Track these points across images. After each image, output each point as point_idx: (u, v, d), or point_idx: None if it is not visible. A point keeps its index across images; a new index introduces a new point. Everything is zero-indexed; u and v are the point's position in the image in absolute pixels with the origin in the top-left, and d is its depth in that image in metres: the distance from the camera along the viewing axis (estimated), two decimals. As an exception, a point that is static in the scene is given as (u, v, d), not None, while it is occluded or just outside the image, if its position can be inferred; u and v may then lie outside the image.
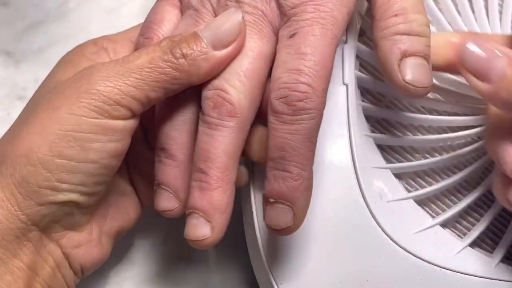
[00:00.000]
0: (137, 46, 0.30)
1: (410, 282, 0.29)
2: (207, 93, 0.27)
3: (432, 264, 0.29)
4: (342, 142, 0.29)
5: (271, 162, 0.26)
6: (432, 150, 0.32)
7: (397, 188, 0.30)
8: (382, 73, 0.28)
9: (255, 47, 0.27)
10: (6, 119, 0.39)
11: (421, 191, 0.31)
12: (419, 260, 0.29)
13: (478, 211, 0.31)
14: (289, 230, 0.26)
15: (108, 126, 0.26)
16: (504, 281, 0.30)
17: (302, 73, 0.25)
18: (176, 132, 0.28)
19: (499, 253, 0.30)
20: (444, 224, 0.31)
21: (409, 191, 0.31)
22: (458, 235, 0.31)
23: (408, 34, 0.27)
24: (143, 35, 0.30)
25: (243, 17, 0.27)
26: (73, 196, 0.27)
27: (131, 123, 0.27)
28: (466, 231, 0.31)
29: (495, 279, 0.30)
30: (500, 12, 0.34)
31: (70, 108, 0.26)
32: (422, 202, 0.31)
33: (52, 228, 0.28)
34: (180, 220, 0.29)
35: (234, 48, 0.27)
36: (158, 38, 0.29)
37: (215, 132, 0.26)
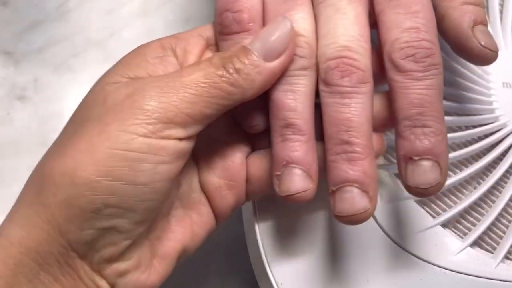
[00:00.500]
0: (221, 27, 0.27)
1: (410, 282, 0.29)
2: (330, 62, 0.26)
3: (433, 264, 0.29)
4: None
5: (406, 121, 0.25)
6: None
7: (398, 188, 0.30)
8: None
9: (360, 12, 0.27)
10: (6, 119, 0.39)
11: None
12: (419, 260, 0.29)
13: (479, 211, 0.31)
14: (438, 187, 0.25)
15: (160, 146, 0.24)
16: (505, 281, 0.30)
17: (421, 30, 0.26)
18: (300, 105, 0.26)
19: (500, 253, 0.30)
20: (444, 224, 0.31)
21: (409, 191, 0.31)
22: (459, 235, 0.31)
23: (473, 4, 0.27)
24: (229, 10, 0.27)
25: (291, 25, 0.26)
26: (119, 222, 0.24)
27: (183, 145, 0.25)
28: (466, 231, 0.31)
29: (496, 280, 0.30)
30: (501, 12, 0.34)
31: (122, 125, 0.24)
32: (422, 202, 0.31)
33: (94, 256, 0.25)
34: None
35: (286, 57, 0.26)
36: (249, 11, 0.27)
37: (350, 100, 0.25)
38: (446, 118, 0.31)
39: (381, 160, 0.31)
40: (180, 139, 0.25)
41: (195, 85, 0.25)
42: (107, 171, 0.24)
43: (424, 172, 0.25)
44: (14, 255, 0.24)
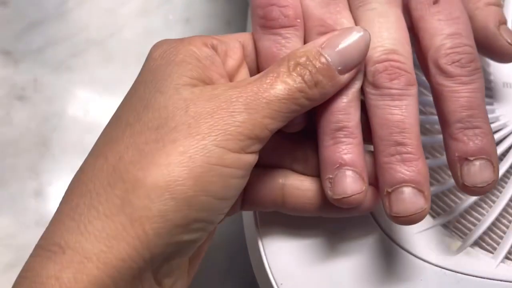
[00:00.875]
0: (265, 21, 0.27)
1: (410, 282, 0.29)
2: (378, 66, 0.26)
3: (433, 264, 0.29)
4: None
5: (458, 123, 0.26)
6: (433, 150, 0.32)
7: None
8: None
9: (400, 16, 0.27)
10: (6, 118, 0.39)
11: None
12: (419, 260, 0.29)
13: (479, 211, 0.31)
14: (493, 184, 0.26)
15: (245, 161, 0.25)
16: (506, 281, 0.30)
17: (462, 36, 0.27)
18: (352, 108, 0.26)
19: (500, 253, 0.30)
20: (445, 224, 0.31)
21: (409, 191, 0.31)
22: (459, 235, 0.31)
23: (495, 5, 0.29)
24: (275, 5, 0.27)
25: (369, 39, 0.26)
26: (199, 235, 0.24)
27: (256, 158, 0.25)
28: (467, 231, 0.31)
29: (496, 280, 0.30)
30: (501, 12, 0.34)
31: (216, 139, 0.24)
32: None
33: (162, 267, 0.25)
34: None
35: (356, 71, 0.26)
36: (294, 8, 0.27)
37: (401, 102, 0.26)
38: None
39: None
40: (256, 153, 0.25)
41: (277, 101, 0.25)
42: (204, 186, 0.23)
43: (480, 171, 0.26)
44: (89, 271, 0.23)
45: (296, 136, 0.28)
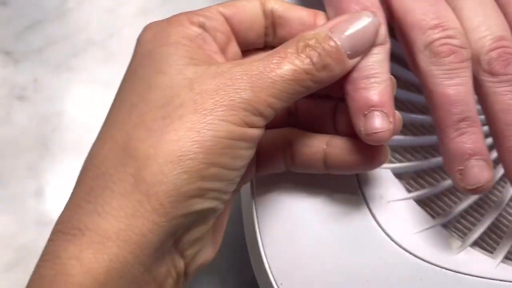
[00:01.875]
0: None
1: (410, 282, 0.29)
2: (492, 53, 0.27)
3: (433, 264, 0.29)
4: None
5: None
6: (433, 149, 0.32)
7: (398, 188, 0.30)
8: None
9: (495, 3, 0.28)
10: (6, 118, 0.39)
11: (422, 191, 0.31)
12: (420, 260, 0.29)
13: (479, 211, 0.31)
14: None
15: (250, 134, 0.25)
16: (506, 281, 0.30)
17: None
18: (470, 97, 0.27)
19: (500, 253, 0.30)
20: (445, 224, 0.31)
21: (409, 191, 0.31)
22: (459, 235, 0.31)
23: None
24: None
25: (378, 22, 0.27)
26: (215, 204, 0.25)
27: (261, 132, 0.26)
28: (467, 231, 0.31)
29: (496, 280, 0.30)
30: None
31: (222, 114, 0.24)
32: (422, 202, 0.31)
33: (183, 238, 0.25)
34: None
35: (365, 54, 0.27)
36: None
37: None
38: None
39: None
40: (261, 127, 0.26)
41: (282, 81, 0.25)
42: (213, 159, 0.24)
43: None
44: (109, 250, 0.23)
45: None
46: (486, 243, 0.31)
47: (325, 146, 0.28)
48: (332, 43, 0.26)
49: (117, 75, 0.42)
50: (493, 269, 0.30)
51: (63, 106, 0.42)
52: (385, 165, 0.31)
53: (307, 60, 0.25)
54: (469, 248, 0.30)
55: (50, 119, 0.41)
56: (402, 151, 0.32)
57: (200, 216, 0.25)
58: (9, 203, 0.40)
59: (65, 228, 0.24)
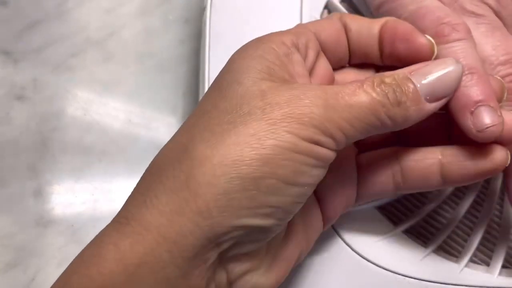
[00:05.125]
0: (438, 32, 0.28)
1: (374, 293, 0.29)
2: None
3: (396, 273, 0.29)
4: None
5: None
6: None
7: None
8: None
9: None
10: (5, 118, 0.39)
11: (383, 199, 0.30)
12: (382, 269, 0.29)
13: (443, 215, 0.31)
14: None
15: (316, 152, 0.24)
16: (470, 286, 0.29)
17: None
18: None
19: (464, 257, 0.30)
20: (407, 231, 0.30)
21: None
22: (422, 241, 0.30)
23: None
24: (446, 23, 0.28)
25: (462, 70, 0.26)
26: (269, 223, 0.24)
27: (332, 155, 0.25)
28: (430, 236, 0.30)
29: (461, 285, 0.29)
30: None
31: (289, 126, 0.24)
32: (383, 208, 0.31)
33: (229, 251, 0.24)
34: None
35: (446, 100, 0.26)
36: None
37: None
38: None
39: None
40: (332, 150, 0.25)
41: (358, 108, 0.24)
42: (272, 168, 0.23)
43: None
44: (147, 244, 0.23)
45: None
46: (450, 247, 0.31)
47: (440, 157, 0.27)
48: (409, 84, 0.25)
49: (117, 75, 0.43)
50: (457, 274, 0.30)
51: (63, 106, 0.42)
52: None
53: (382, 93, 0.25)
54: (432, 254, 0.30)
55: (50, 119, 0.41)
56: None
57: (252, 232, 0.24)
58: (9, 203, 0.40)
59: (117, 216, 0.24)
